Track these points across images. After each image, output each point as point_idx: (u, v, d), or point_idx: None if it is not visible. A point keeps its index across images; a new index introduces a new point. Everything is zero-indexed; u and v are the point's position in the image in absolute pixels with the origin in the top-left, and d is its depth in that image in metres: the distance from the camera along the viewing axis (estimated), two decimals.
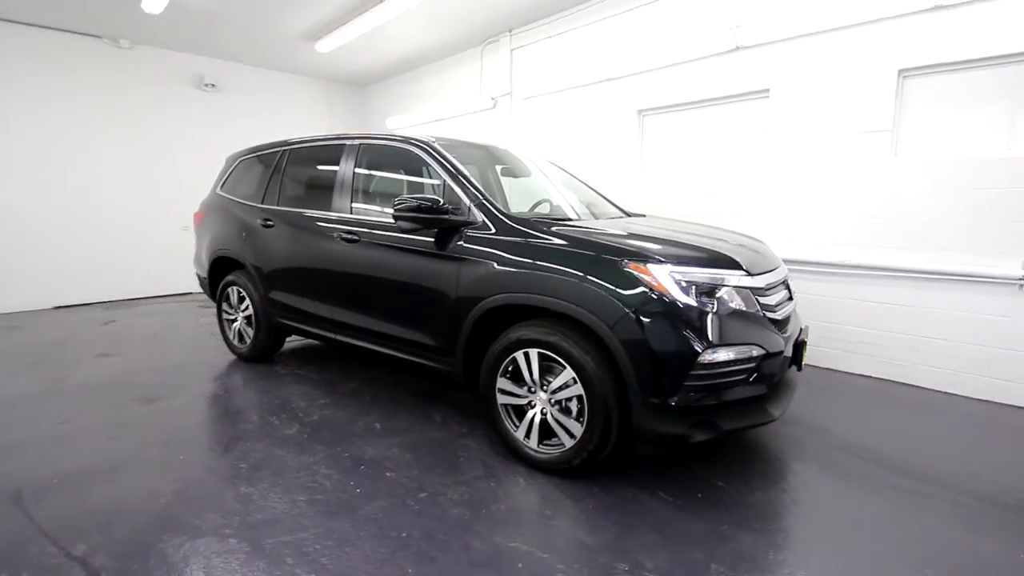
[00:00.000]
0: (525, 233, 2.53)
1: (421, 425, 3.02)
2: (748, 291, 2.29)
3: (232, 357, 4.27)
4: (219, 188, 4.43)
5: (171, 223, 7.03)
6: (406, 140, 3.15)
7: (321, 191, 3.53)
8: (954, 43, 3.36)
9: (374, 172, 3.39)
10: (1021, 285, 3.26)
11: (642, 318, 2.12)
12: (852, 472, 2.55)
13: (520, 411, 2.55)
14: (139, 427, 2.99)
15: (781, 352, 2.34)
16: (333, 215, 3.34)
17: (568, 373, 2.31)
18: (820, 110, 3.93)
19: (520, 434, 2.54)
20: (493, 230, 2.63)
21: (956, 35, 3.35)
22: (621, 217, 3.44)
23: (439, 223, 2.70)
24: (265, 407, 3.27)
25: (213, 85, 7.15)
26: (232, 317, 4.21)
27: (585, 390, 2.26)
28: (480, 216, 2.68)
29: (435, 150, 3.00)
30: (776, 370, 2.35)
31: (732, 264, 2.32)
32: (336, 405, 3.30)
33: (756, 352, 2.21)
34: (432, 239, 2.77)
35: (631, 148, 5.15)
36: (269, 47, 6.80)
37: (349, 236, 3.18)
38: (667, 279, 2.15)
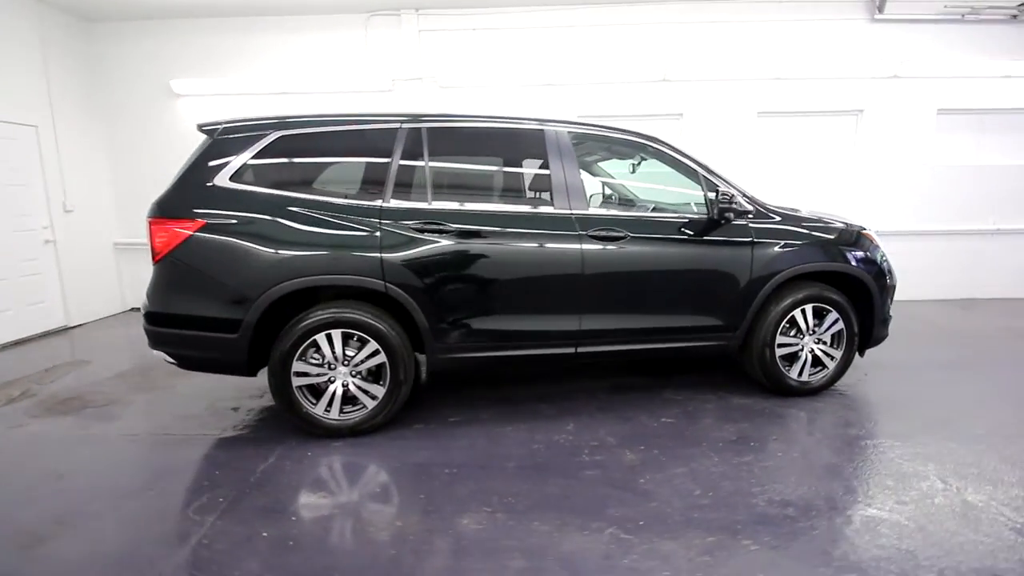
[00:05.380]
0: (771, 217, 3.23)
1: (688, 408, 3.20)
2: None
3: (299, 442, 2.81)
4: (226, 179, 2.72)
5: None
6: (645, 136, 3.20)
7: (516, 189, 2.96)
8: (786, 100, 5.79)
9: (604, 167, 3.14)
10: None
11: (880, 264, 3.31)
12: None
13: (786, 358, 3.28)
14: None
15: None
16: (567, 213, 2.92)
17: (834, 315, 3.25)
18: (715, 131, 5.84)
19: (794, 373, 3.28)
20: (753, 215, 3.19)
21: (787, 96, 5.77)
22: None
23: (737, 213, 3.05)
24: (553, 459, 2.65)
25: None
26: (324, 377, 2.77)
27: (846, 325, 3.27)
28: (749, 205, 3.17)
29: (680, 150, 3.21)
30: None
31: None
32: (596, 427, 2.97)
33: None
34: (692, 230, 3.09)
35: None
36: None
37: (609, 234, 2.94)
38: (877, 237, 3.40)
